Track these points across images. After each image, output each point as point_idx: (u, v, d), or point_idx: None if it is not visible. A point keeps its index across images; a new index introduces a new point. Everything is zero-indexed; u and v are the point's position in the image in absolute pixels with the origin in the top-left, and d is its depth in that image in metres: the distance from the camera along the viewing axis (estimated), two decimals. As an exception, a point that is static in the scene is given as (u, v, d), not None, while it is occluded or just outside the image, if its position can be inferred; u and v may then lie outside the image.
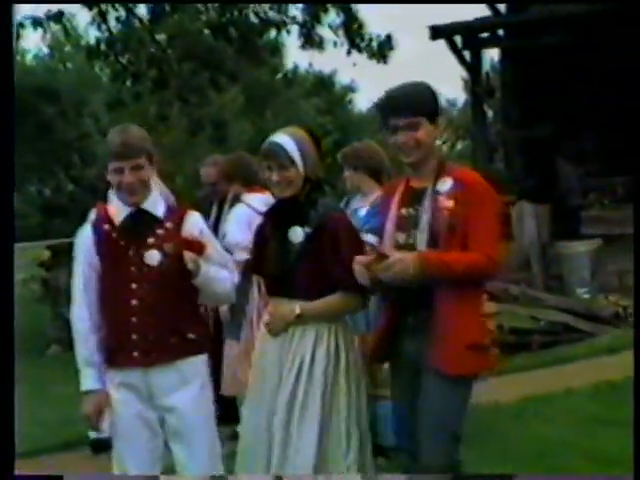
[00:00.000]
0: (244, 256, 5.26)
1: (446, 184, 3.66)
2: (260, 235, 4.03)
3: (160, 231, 3.82)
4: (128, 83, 14.68)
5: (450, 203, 3.61)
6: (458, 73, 46.73)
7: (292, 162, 3.83)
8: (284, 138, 3.88)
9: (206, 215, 5.94)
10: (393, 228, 3.75)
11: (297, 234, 3.81)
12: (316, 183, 3.92)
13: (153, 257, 3.77)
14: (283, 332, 3.84)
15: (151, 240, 3.80)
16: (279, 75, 33.86)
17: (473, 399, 3.85)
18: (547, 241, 12.25)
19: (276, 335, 3.86)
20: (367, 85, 67.41)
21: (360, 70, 43.88)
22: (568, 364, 8.34)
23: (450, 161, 3.89)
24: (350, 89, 41.04)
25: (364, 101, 68.34)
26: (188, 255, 3.72)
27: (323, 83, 28.72)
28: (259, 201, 5.57)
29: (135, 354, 3.76)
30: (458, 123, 39.29)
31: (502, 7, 14.79)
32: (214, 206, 6.68)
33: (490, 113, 18.86)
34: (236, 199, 6.03)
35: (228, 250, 4.98)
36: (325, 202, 3.90)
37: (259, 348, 4.03)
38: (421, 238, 3.63)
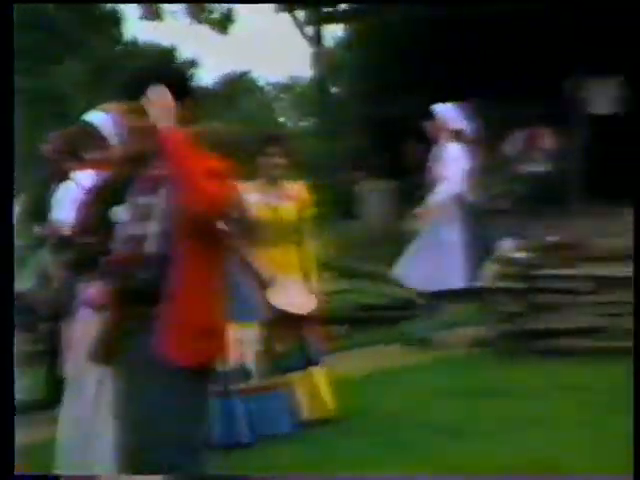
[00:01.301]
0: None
1: None
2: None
3: None
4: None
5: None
6: (303, 49, 47.05)
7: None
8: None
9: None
10: None
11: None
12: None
13: None
14: None
15: None
16: (119, 47, 33.25)
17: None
18: (393, 218, 12.60)
19: None
20: (212, 60, 66.97)
21: (203, 43, 43.48)
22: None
23: None
24: (193, 64, 40.69)
25: (209, 76, 67.80)
26: None
27: (166, 55, 28.40)
28: (86, 178, 5.55)
29: None
30: (303, 99, 39.54)
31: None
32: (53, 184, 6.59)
33: (336, 90, 19.18)
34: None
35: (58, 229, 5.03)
36: None
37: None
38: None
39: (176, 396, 3.39)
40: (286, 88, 44.48)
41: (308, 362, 5.97)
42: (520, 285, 7.98)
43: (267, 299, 5.59)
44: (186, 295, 3.39)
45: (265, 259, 5.70)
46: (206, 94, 42.24)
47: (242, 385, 5.63)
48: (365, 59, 14.54)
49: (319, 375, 6.04)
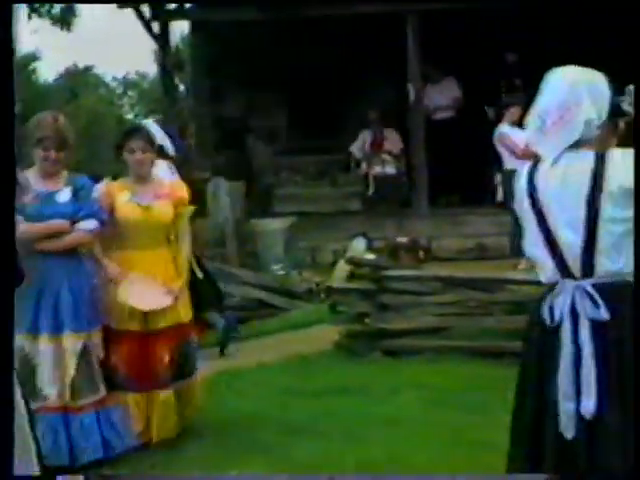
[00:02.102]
0: None
1: None
2: None
3: None
4: None
5: None
6: (148, 45, 46.51)
7: None
8: None
9: None
10: None
11: None
12: None
13: None
14: None
15: None
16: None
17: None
18: (241, 218, 12.62)
19: None
20: (53, 54, 65.32)
21: (44, 38, 42.39)
22: (261, 339, 8.74)
23: None
24: (33, 58, 39.64)
25: (50, 70, 66.14)
26: None
27: None
28: None
29: None
30: (149, 96, 39.08)
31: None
32: None
33: (182, 87, 19.05)
34: None
35: None
36: None
37: None
38: None
39: None
40: (132, 84, 43.84)
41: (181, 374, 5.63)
42: (368, 285, 8.11)
43: (115, 298, 5.38)
44: None
45: (137, 264, 5.48)
46: (46, 88, 41.42)
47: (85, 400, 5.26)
48: (205, 56, 14.50)
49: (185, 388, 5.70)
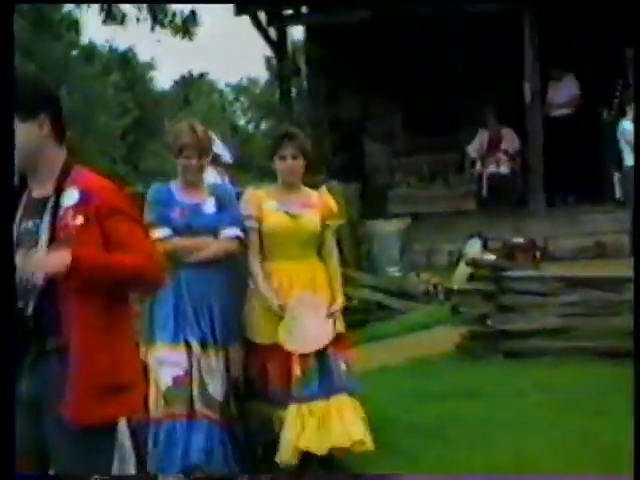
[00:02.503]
0: None
1: (72, 196, 3.21)
2: None
3: None
4: None
5: (79, 220, 3.17)
6: (260, 51, 46.92)
7: None
8: None
9: None
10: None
11: None
12: None
13: None
14: None
15: None
16: (75, 51, 33.02)
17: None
18: (356, 220, 12.65)
19: None
20: (169, 62, 66.74)
21: (160, 45, 43.35)
22: (382, 341, 8.73)
23: (79, 164, 3.33)
24: (150, 66, 40.58)
25: (166, 79, 67.55)
26: None
27: (123, 59, 28.27)
28: None
29: None
30: (261, 101, 39.57)
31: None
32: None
33: (295, 91, 19.18)
34: None
35: None
36: None
37: None
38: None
39: (90, 455, 3.21)
40: (244, 90, 44.45)
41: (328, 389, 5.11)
42: (489, 287, 8.05)
43: (278, 337, 5.05)
44: (85, 351, 3.14)
45: (281, 277, 5.20)
46: (162, 97, 42.29)
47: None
48: (321, 60, 14.60)
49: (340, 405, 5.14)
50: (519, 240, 11.44)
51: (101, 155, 29.60)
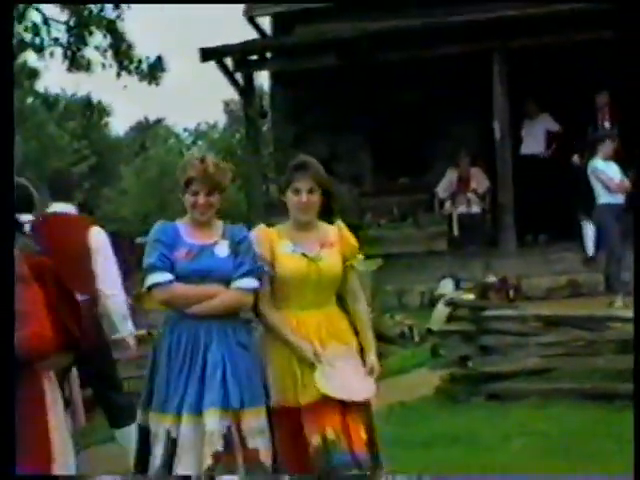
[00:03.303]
0: None
1: None
2: None
3: None
4: None
5: None
6: (220, 95, 46.93)
7: None
8: None
9: None
10: None
11: None
12: None
13: None
14: None
15: None
16: (30, 99, 32.86)
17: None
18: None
19: None
20: (125, 108, 66.68)
21: (116, 92, 43.30)
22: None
23: None
24: (106, 112, 40.44)
25: (121, 125, 67.41)
26: None
27: (84, 106, 28.25)
28: None
29: None
30: (220, 146, 39.52)
31: (269, 29, 15.10)
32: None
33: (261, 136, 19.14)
34: None
35: None
36: None
37: None
38: None
39: None
40: (202, 135, 44.43)
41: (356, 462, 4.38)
42: (469, 327, 7.93)
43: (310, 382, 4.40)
44: None
45: (297, 330, 4.50)
46: (117, 143, 42.25)
47: None
48: (287, 104, 14.59)
49: None
50: (492, 279, 11.39)
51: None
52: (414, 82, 13.02)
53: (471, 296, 8.74)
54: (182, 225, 4.57)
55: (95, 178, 35.27)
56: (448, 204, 13.03)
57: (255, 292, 4.50)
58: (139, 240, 13.55)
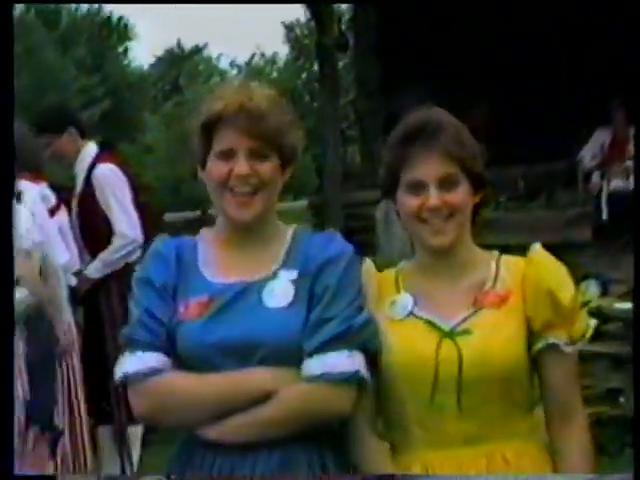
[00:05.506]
0: None
1: None
2: None
3: None
4: None
5: None
6: (279, 17, 47.06)
7: None
8: None
9: None
10: None
11: None
12: None
13: None
14: None
15: None
16: (19, 9, 33.38)
17: None
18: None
19: None
20: (152, 30, 67.16)
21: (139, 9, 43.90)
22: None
23: None
24: (127, 35, 40.97)
25: (146, 53, 67.98)
26: None
27: (95, 23, 28.68)
28: None
29: None
30: (280, 88, 39.81)
31: None
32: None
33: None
34: None
35: None
36: None
37: None
38: None
39: None
40: (256, 71, 44.72)
41: None
42: (623, 349, 7.97)
43: None
44: None
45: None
46: (140, 80, 42.37)
47: None
48: (377, 31, 14.73)
49: None
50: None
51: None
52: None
53: (627, 305, 8.69)
54: (205, 244, 3.25)
55: (108, 129, 35.51)
56: (596, 176, 12.96)
57: (359, 384, 3.10)
58: (168, 217, 13.76)
